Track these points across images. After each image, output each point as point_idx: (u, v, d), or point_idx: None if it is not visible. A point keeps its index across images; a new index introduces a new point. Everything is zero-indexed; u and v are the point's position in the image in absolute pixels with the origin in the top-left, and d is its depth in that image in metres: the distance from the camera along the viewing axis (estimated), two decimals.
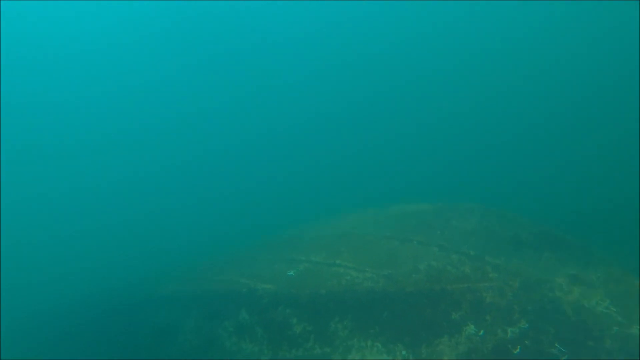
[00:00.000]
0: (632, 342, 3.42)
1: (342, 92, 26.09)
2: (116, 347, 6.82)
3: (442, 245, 5.09)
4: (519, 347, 3.59)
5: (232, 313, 5.39)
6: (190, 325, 5.96)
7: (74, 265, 12.58)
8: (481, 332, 3.81)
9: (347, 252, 5.69)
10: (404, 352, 4.00)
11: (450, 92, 22.38)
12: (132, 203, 19.49)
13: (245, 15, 29.29)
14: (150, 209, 18.58)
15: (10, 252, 14.76)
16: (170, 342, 6.06)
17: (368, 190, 14.33)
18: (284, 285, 5.31)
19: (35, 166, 23.21)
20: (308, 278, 5.36)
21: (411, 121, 21.33)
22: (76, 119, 27.41)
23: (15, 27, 28.06)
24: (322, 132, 23.98)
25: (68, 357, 7.38)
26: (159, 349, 6.17)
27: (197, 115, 27.60)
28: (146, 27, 29.92)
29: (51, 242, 15.88)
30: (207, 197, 19.35)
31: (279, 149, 23.67)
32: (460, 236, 5.26)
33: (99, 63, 29.61)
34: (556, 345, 3.48)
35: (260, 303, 5.21)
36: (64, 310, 8.33)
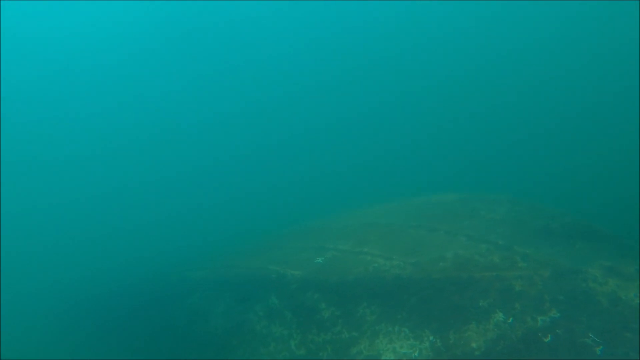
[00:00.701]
0: None
1: (372, 87, 25.98)
2: (153, 328, 7.03)
3: (469, 235, 5.02)
4: (549, 335, 3.52)
5: (262, 297, 5.47)
6: (221, 308, 6.07)
7: (117, 256, 12.98)
8: (510, 320, 3.76)
9: (374, 241, 5.68)
10: (431, 338, 3.99)
11: (477, 87, 22.06)
12: (170, 198, 19.93)
13: (251, 15, 29.23)
14: (186, 203, 19.02)
15: (59, 247, 15.42)
16: (202, 324, 6.19)
17: (395, 182, 14.29)
18: (312, 272, 5.34)
19: (60, 165, 23.66)
20: (336, 265, 5.38)
21: (440, 115, 21.13)
22: (92, 122, 27.52)
23: (15, 27, 28.33)
24: (352, 127, 23.98)
25: (110, 334, 7.71)
26: (192, 331, 6.32)
27: (221, 112, 27.74)
28: (148, 28, 29.99)
29: (96, 236, 16.40)
30: (239, 190, 19.64)
31: (309, 144, 23.82)
32: (488, 226, 5.18)
33: (99, 63, 29.62)
34: (590, 335, 3.39)
35: (289, 288, 5.26)
36: (108, 295, 8.67)
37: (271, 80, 28.96)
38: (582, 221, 4.94)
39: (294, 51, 29.77)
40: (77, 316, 9.18)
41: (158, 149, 25.38)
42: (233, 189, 20.18)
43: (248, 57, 29.50)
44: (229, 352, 5.48)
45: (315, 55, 29.43)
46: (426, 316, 4.19)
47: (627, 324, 3.36)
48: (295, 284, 5.22)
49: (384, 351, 4.15)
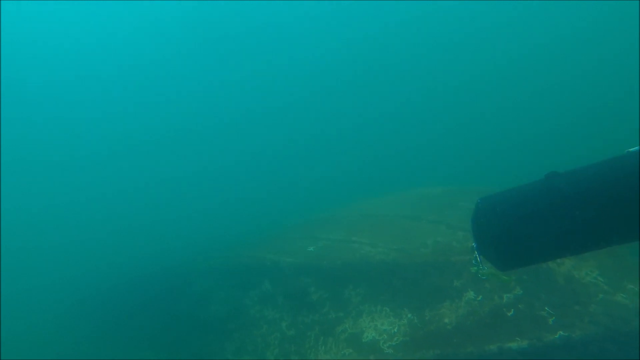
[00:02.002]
0: (615, 308, 3.62)
1: (366, 88, 26.28)
2: (156, 318, 7.35)
3: (449, 224, 5.34)
4: (512, 310, 3.84)
5: (257, 284, 5.80)
6: (220, 296, 6.41)
7: (123, 249, 13.32)
8: (479, 298, 4.08)
9: (363, 231, 6.00)
10: (409, 315, 4.31)
11: (465, 86, 22.34)
12: (175, 196, 20.28)
13: (253, 12, 29.36)
14: (190, 201, 19.38)
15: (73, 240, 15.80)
16: (203, 311, 6.52)
17: (390, 178, 14.62)
18: (304, 259, 5.68)
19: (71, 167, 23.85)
20: (326, 252, 5.70)
21: (434, 115, 21.46)
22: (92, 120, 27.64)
23: (15, 27, 28.44)
24: (347, 126, 24.32)
25: (114, 326, 8.03)
26: (194, 317, 6.65)
27: (225, 115, 27.94)
28: (148, 27, 30.10)
29: (100, 233, 16.76)
30: (243, 188, 20.02)
31: (306, 143, 24.17)
32: (467, 216, 5.48)
33: (99, 63, 29.74)
34: (546, 308, 3.72)
35: (281, 274, 5.60)
36: (118, 285, 9.00)
37: (275, 83, 29.27)
38: None
39: (305, 52, 30.00)
40: (81, 309, 9.47)
41: (163, 147, 25.73)
42: (237, 187, 20.58)
43: (259, 56, 29.74)
44: (226, 336, 5.81)
45: (318, 56, 29.70)
46: (406, 296, 4.52)
47: (577, 299, 3.68)
48: (287, 270, 5.56)
49: (367, 328, 4.48)
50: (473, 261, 2.33)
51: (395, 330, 4.29)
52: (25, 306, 11.32)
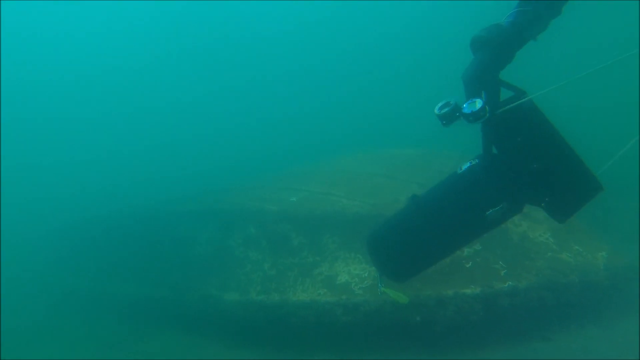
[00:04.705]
0: (559, 264, 4.04)
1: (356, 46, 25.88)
2: (140, 254, 7.51)
3: (420, 183, 5.63)
4: (470, 262, 4.21)
5: (242, 227, 6.04)
6: (205, 237, 6.63)
7: (111, 184, 13.24)
8: None
9: (341, 185, 6.25)
10: None
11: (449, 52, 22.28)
12: (166, 141, 20.04)
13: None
14: (179, 142, 19.19)
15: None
16: (187, 250, 6.74)
17: (367, 136, 14.80)
18: (287, 207, 5.92)
19: None
20: (307, 203, 5.95)
21: (409, 78, 21.50)
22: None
23: (15, 27, 27.01)
24: (330, 82, 24.13)
25: (97, 261, 8.11)
26: (178, 256, 6.88)
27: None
28: (146, 26, 28.70)
29: (95, 164, 16.56)
30: (228, 137, 19.92)
31: (292, 98, 23.96)
32: (438, 176, 5.78)
33: (99, 63, 28.41)
34: (499, 262, 4.10)
35: (265, 220, 5.84)
36: (99, 220, 9.02)
37: (263, 35, 28.47)
38: None
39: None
40: (65, 243, 9.43)
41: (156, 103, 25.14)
42: (227, 134, 20.46)
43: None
44: (210, 273, 6.08)
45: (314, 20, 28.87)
46: None
47: (528, 255, 4.07)
48: (270, 217, 5.80)
49: (340, 272, 4.82)
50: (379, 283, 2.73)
51: (366, 275, 4.63)
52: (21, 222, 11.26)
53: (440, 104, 2.29)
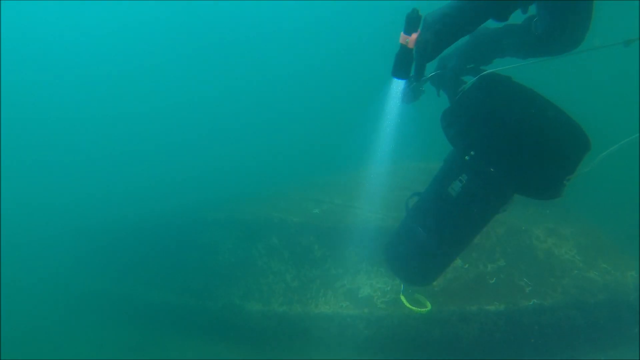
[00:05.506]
0: (586, 283, 3.93)
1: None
2: (163, 259, 7.60)
3: None
4: (494, 278, 4.15)
5: (265, 238, 6.09)
6: (228, 245, 6.70)
7: (137, 194, 13.41)
8: (466, 265, 4.38)
9: (364, 198, 6.25)
10: None
11: None
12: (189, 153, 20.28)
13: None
14: (206, 155, 19.41)
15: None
16: (210, 258, 6.81)
17: (396, 148, 14.66)
18: (310, 219, 5.95)
19: None
20: (329, 215, 5.97)
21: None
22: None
23: (16, 27, 27.53)
24: (351, 97, 24.10)
25: (118, 265, 8.18)
26: (201, 263, 6.95)
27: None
28: (148, 28, 29.07)
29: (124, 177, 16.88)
30: (251, 149, 20.07)
31: (318, 110, 24.00)
32: None
33: (99, 63, 28.85)
34: (524, 279, 4.02)
35: (288, 231, 5.87)
36: (121, 224, 9.16)
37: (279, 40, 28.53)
38: None
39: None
40: (83, 245, 9.45)
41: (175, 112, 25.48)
42: (250, 146, 20.59)
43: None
44: (233, 282, 6.14)
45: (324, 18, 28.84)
46: None
47: (553, 272, 3.98)
48: (294, 228, 5.83)
49: (363, 285, 4.81)
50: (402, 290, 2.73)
51: (389, 288, 4.61)
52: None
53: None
